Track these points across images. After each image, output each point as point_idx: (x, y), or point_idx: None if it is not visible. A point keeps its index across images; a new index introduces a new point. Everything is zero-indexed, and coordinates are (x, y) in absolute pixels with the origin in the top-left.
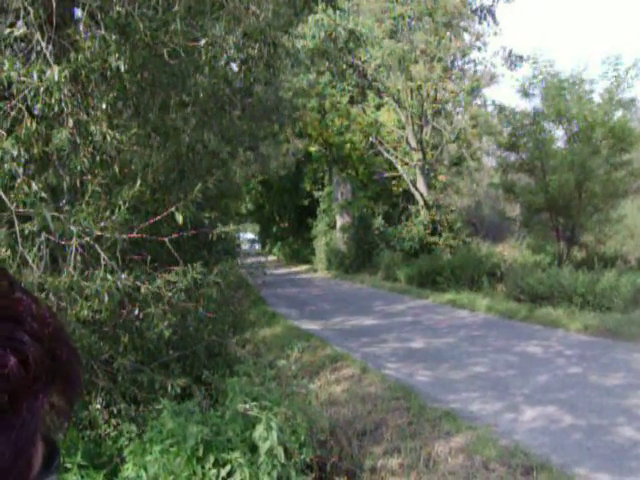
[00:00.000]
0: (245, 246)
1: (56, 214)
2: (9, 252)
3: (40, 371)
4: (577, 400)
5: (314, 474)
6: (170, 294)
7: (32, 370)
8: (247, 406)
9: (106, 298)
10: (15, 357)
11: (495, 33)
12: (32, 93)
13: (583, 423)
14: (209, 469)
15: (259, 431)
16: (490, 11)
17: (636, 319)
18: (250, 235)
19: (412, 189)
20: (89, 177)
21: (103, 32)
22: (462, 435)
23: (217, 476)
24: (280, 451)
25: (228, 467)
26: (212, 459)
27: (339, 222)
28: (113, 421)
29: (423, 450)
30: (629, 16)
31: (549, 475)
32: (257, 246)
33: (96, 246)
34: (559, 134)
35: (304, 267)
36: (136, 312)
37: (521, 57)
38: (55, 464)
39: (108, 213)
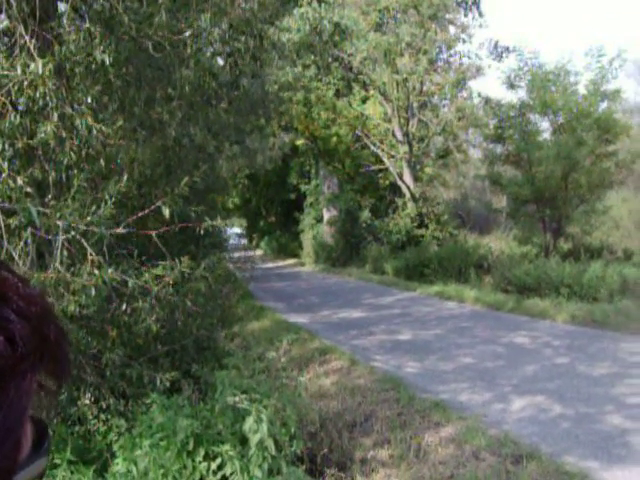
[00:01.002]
0: (232, 240)
1: (42, 209)
2: None
3: (27, 350)
4: (565, 389)
5: (305, 466)
6: (158, 288)
7: (19, 348)
8: (237, 399)
9: (93, 293)
10: (1, 335)
11: (480, 25)
12: (16, 87)
13: (571, 412)
14: (199, 462)
15: (249, 423)
16: (475, 3)
17: (623, 309)
18: (237, 229)
19: (399, 182)
20: (75, 172)
21: (87, 25)
22: (452, 425)
23: (208, 469)
24: (270, 443)
25: (219, 460)
26: (202, 452)
27: (326, 215)
28: (102, 416)
29: (413, 440)
30: (611, 6)
31: (538, 463)
32: (244, 240)
33: (82, 241)
34: (545, 126)
35: (291, 261)
36: (124, 307)
37: (507, 48)
38: (45, 446)
39: (94, 208)
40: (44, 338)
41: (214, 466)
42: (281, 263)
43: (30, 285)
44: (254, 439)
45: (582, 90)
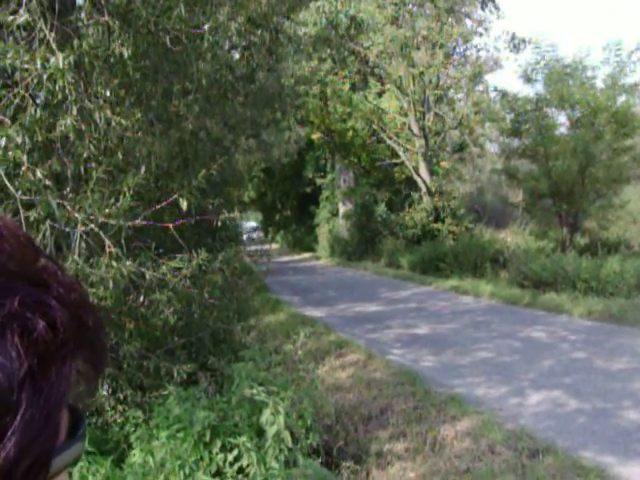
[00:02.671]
0: (246, 234)
1: (61, 201)
2: None
3: (68, 336)
4: (582, 384)
5: (321, 458)
6: (175, 280)
7: (60, 334)
8: (254, 391)
9: (111, 285)
10: (43, 320)
11: (498, 17)
12: (35, 80)
13: (588, 407)
14: (216, 454)
15: (266, 416)
16: None
17: None
18: (253, 223)
19: (415, 176)
20: (93, 164)
21: (106, 18)
22: (468, 419)
23: (224, 461)
24: (287, 435)
25: (235, 451)
26: (219, 444)
27: (342, 209)
28: (119, 407)
29: (429, 434)
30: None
31: (555, 458)
32: (260, 234)
33: (101, 233)
34: (562, 120)
35: (307, 255)
36: (141, 299)
37: (524, 40)
38: (81, 432)
39: (112, 200)
40: (82, 325)
41: (231, 457)
42: (297, 257)
43: (67, 271)
44: (271, 431)
45: (600, 84)
